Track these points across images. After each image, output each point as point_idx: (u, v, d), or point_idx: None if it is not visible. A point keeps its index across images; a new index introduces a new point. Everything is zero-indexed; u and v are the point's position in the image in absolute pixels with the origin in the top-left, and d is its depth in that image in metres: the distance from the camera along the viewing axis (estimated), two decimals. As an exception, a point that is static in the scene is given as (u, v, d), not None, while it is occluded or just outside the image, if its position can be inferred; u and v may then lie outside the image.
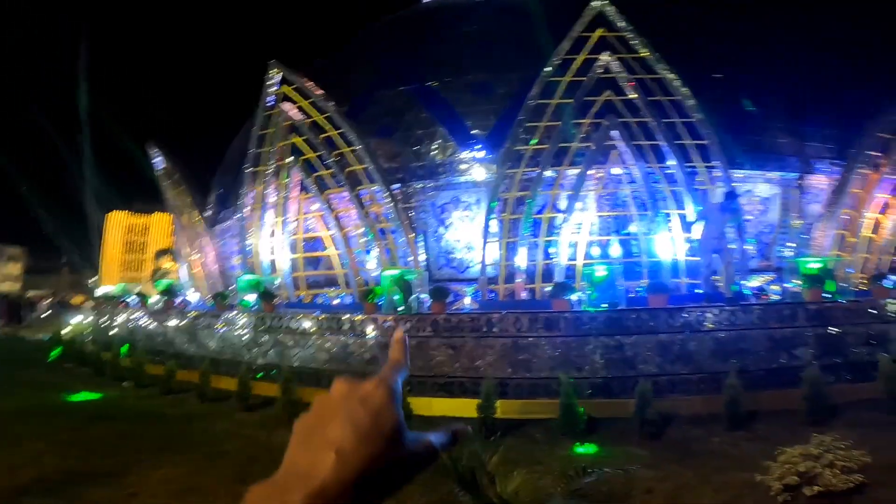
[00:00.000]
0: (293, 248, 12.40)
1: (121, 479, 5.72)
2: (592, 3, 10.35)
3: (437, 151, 11.97)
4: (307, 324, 9.38)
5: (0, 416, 8.31)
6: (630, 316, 7.97)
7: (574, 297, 9.19)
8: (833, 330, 7.83)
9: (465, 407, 6.90)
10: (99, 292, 21.39)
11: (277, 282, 12.26)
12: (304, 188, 12.24)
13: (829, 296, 8.81)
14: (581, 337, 7.76)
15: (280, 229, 12.38)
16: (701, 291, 9.34)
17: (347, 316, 9.09)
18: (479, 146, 11.68)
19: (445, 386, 7.89)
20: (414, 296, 10.09)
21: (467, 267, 11.42)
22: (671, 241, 10.33)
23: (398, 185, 11.62)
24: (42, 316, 28.54)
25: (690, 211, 10.20)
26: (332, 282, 12.22)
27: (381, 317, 8.86)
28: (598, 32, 10.40)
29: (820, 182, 11.77)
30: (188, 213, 15.38)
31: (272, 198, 12.44)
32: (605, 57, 10.33)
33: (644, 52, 10.28)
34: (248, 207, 12.61)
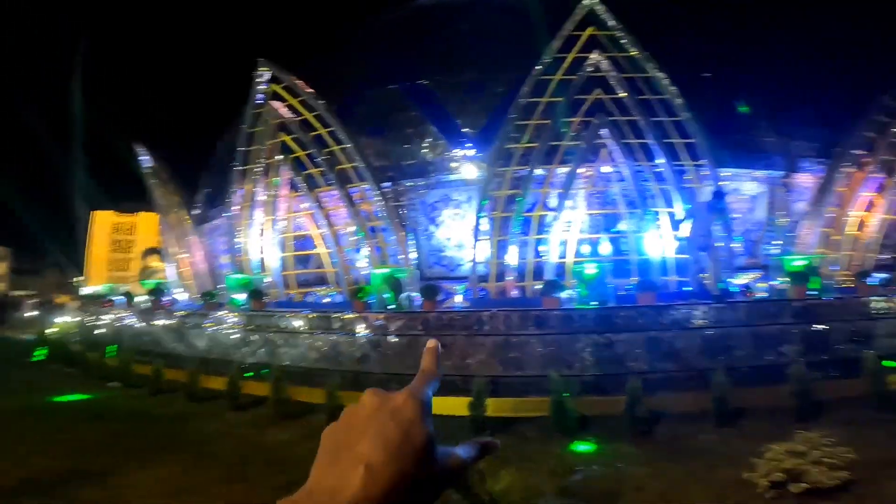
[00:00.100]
0: (283, 247, 12.34)
1: (109, 479, 5.67)
2: (583, 2, 10.39)
3: (427, 150, 11.96)
4: (297, 322, 9.34)
5: (-15, 418, 8.21)
6: (619, 313, 8.02)
7: (564, 294, 9.23)
8: (818, 327, 7.93)
9: (457, 405, 6.91)
10: (85, 292, 21.17)
11: (267, 280, 12.20)
12: (293, 186, 12.19)
13: (815, 293, 8.92)
14: (571, 334, 7.80)
15: (269, 228, 12.31)
16: (689, 289, 9.42)
17: (338, 314, 9.07)
18: (470, 144, 11.69)
19: (436, 384, 7.87)
20: (404, 294, 10.09)
21: (458, 265, 11.43)
22: (660, 239, 10.41)
23: (388, 184, 11.59)
24: (27, 316, 28.20)
25: (679, 209, 10.28)
26: (322, 280, 12.18)
27: (372, 315, 8.85)
28: (589, 31, 10.44)
29: (806, 180, 11.92)
30: (176, 211, 15.26)
31: (261, 196, 12.38)
32: (595, 56, 10.38)
33: (633, 51, 10.34)
34: (237, 206, 12.53)
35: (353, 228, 11.47)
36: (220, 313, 10.81)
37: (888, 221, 11.63)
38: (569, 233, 10.65)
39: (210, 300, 11.93)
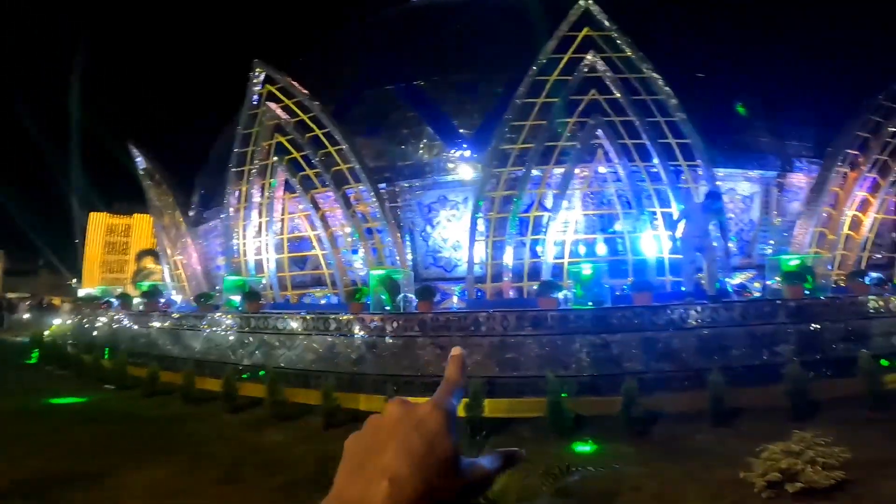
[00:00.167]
0: (279, 248, 12.31)
1: (103, 482, 5.63)
2: (579, 3, 10.41)
3: (423, 150, 11.96)
4: (294, 324, 9.32)
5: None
6: (616, 314, 8.03)
7: (561, 295, 9.24)
8: (813, 326, 7.96)
9: (453, 406, 6.89)
10: (80, 293, 21.08)
11: (263, 282, 12.17)
12: (289, 188, 12.16)
13: (809, 293, 8.95)
14: (567, 335, 7.81)
15: (265, 229, 12.28)
16: (685, 289, 9.44)
17: (334, 316, 9.05)
18: (466, 145, 11.69)
19: (432, 386, 7.71)
20: (401, 295, 10.08)
21: (454, 266, 11.43)
22: (656, 240, 10.43)
23: (384, 185, 11.58)
24: (22, 318, 28.06)
25: (675, 209, 10.31)
26: (318, 282, 12.15)
27: (368, 317, 8.83)
28: (584, 31, 10.46)
29: (799, 180, 11.98)
30: (171, 213, 15.20)
31: (257, 197, 12.35)
32: (590, 56, 10.40)
33: (629, 52, 10.36)
34: (233, 207, 12.50)
35: (350, 230, 11.46)
36: (215, 315, 10.77)
37: (881, 221, 11.70)
38: (565, 233, 10.67)
39: (205, 302, 11.89)
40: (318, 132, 11.48)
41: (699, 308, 7.98)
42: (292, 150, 11.79)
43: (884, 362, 7.46)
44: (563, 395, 6.86)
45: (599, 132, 10.43)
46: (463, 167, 11.62)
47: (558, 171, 10.56)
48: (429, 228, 11.68)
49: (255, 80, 12.03)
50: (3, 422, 8.13)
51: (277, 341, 9.42)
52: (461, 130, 11.84)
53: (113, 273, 24.57)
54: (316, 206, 11.77)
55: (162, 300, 14.08)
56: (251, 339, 9.81)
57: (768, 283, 10.49)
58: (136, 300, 14.63)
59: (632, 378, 6.93)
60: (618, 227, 10.78)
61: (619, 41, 10.39)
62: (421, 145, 11.97)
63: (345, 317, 8.94)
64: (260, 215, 12.35)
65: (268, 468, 5.93)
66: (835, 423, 5.75)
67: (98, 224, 25.60)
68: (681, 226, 9.47)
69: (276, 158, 11.96)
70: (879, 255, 11.83)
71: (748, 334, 7.83)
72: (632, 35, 10.51)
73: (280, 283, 12.19)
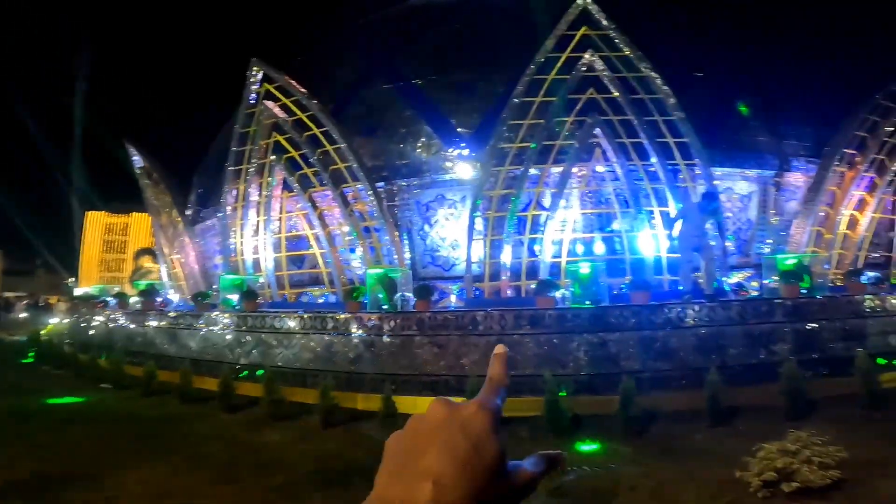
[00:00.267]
0: (276, 247, 12.30)
1: (99, 482, 5.62)
2: (577, 2, 10.40)
3: (421, 149, 11.94)
4: (291, 323, 9.31)
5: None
6: (613, 313, 8.03)
7: (558, 294, 9.24)
8: (810, 325, 7.97)
9: (450, 405, 6.88)
10: (78, 293, 21.04)
11: (261, 281, 12.16)
12: (287, 186, 12.15)
13: (806, 292, 8.96)
14: (565, 334, 7.81)
15: (263, 228, 12.27)
16: (682, 288, 9.45)
17: (332, 315, 9.05)
18: (464, 144, 11.68)
19: (431, 384, 7.88)
20: (399, 294, 10.07)
21: (452, 265, 11.42)
22: (654, 239, 10.44)
23: (382, 184, 11.57)
24: (19, 317, 28.01)
25: (673, 208, 10.32)
26: (316, 281, 12.14)
27: (366, 315, 8.83)
28: (582, 30, 10.45)
29: (797, 179, 11.99)
30: (168, 212, 15.17)
31: (255, 196, 12.33)
32: (588, 55, 10.39)
33: (627, 51, 10.36)
34: (231, 206, 12.48)
35: (347, 228, 11.45)
36: (213, 314, 10.76)
37: (878, 220, 11.72)
38: (563, 232, 10.67)
39: (203, 301, 11.87)
40: (316, 131, 11.46)
41: (697, 307, 7.99)
42: (290, 149, 11.77)
43: (880, 361, 7.48)
44: (560, 394, 6.87)
45: (597, 131, 10.43)
46: (461, 166, 11.61)
47: (556, 169, 10.56)
48: (427, 227, 11.67)
49: (252, 79, 12.00)
50: (-1, 421, 8.11)
51: (275, 340, 9.41)
52: (459, 129, 11.83)
53: (111, 272, 24.54)
54: (314, 205, 11.76)
55: (159, 299, 14.06)
56: (248, 338, 9.80)
57: (766, 282, 10.50)
58: (133, 299, 14.61)
59: (629, 377, 6.93)
60: (615, 226, 10.78)
61: (617, 40, 10.39)
62: (419, 144, 11.96)
63: (342, 316, 8.94)
64: (257, 214, 12.33)
65: (265, 467, 5.92)
66: (831, 422, 5.77)
67: (96, 223, 25.56)
68: (678, 225, 9.48)
69: (273, 157, 11.94)
70: (876, 255, 11.85)
71: (745, 333, 7.84)
72: (630, 34, 10.51)
73: (278, 281, 12.17)
